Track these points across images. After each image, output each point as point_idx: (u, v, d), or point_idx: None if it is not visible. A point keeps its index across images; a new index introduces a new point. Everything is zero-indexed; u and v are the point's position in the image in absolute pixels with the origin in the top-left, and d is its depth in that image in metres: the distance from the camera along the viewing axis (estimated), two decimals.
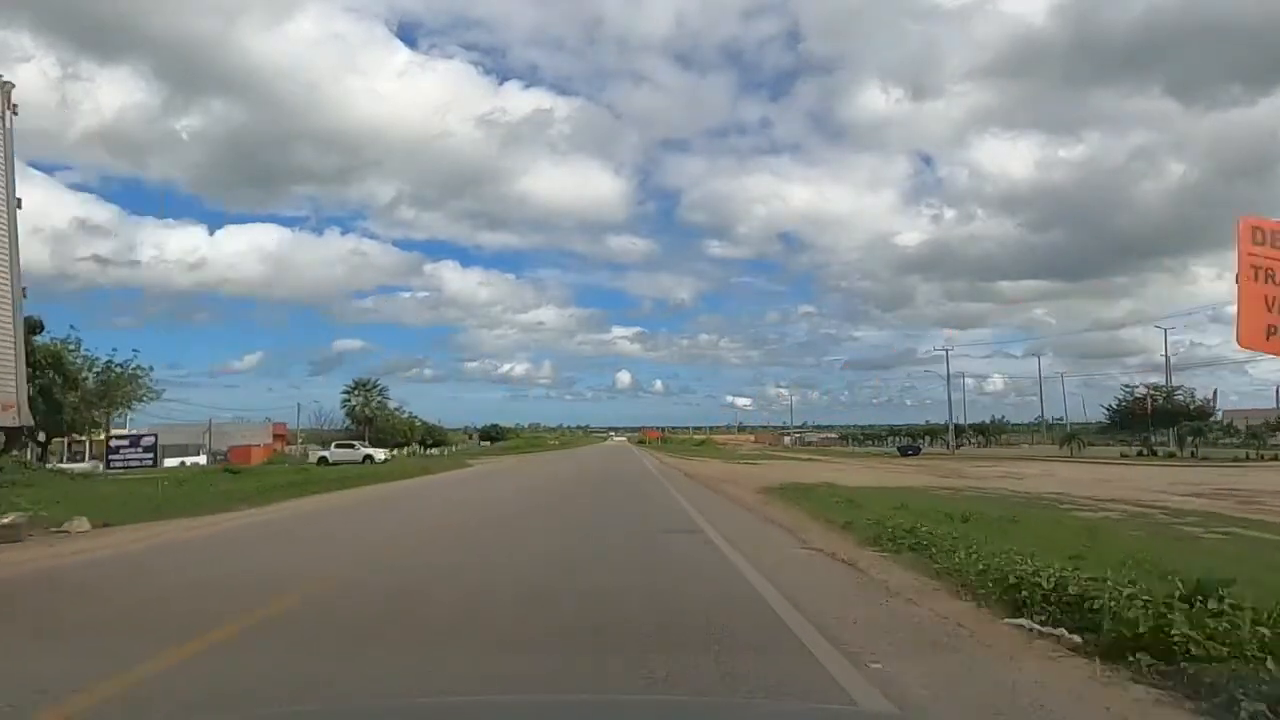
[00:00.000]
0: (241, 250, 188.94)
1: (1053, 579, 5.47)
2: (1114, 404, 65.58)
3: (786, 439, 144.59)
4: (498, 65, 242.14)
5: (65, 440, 46.89)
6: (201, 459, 57.01)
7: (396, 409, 70.99)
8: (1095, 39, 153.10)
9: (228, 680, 4.06)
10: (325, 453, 51.03)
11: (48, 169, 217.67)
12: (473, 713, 2.28)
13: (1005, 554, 6.80)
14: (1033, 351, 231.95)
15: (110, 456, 16.05)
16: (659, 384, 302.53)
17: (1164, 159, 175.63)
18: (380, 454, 52.18)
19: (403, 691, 3.81)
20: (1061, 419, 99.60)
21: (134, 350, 33.72)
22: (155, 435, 16.43)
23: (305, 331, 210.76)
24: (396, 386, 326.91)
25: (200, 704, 3.67)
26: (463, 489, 23.49)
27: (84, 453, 49.21)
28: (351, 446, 52.45)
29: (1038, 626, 4.94)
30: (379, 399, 64.67)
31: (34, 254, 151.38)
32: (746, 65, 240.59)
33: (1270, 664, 3.73)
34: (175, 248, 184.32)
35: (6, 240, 7.81)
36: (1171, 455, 50.49)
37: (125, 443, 16.18)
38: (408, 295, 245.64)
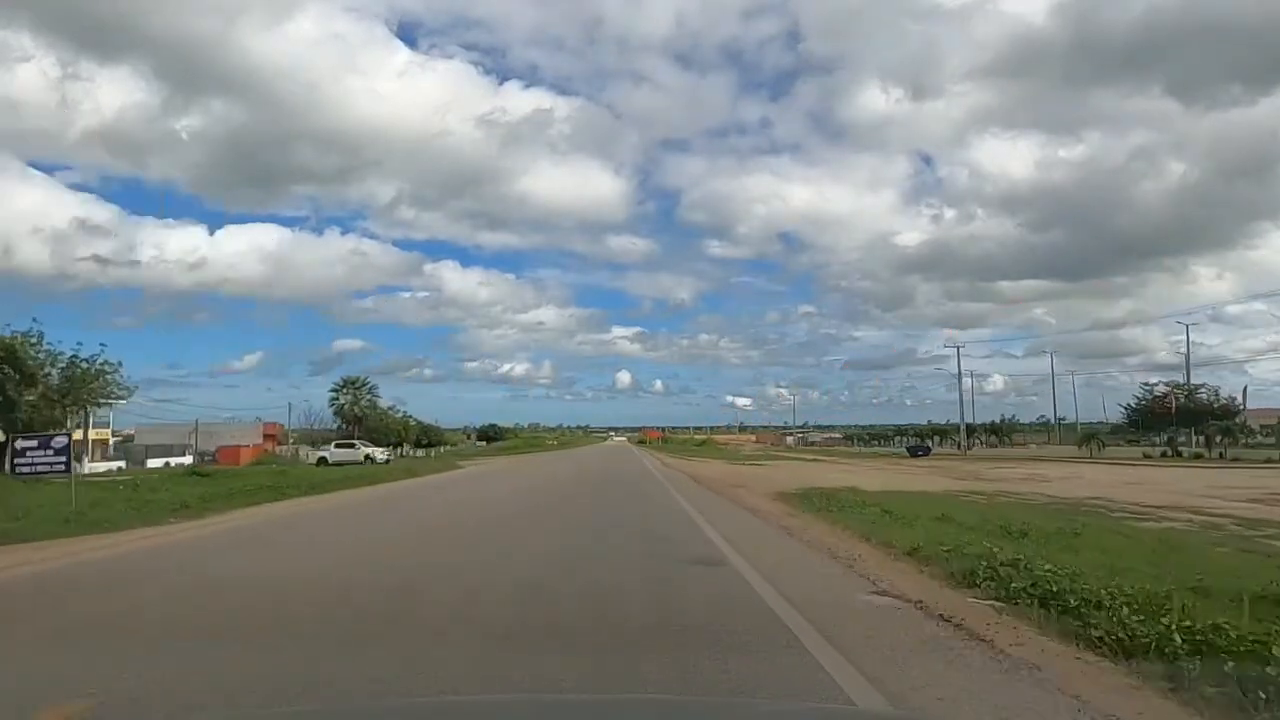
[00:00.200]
0: (241, 250, 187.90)
1: None
2: (1132, 403, 63.36)
3: (789, 439, 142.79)
4: (498, 65, 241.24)
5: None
6: (187, 460, 55.30)
7: (391, 408, 69.13)
8: (1095, 39, 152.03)
9: None
10: (325, 453, 49.35)
11: (48, 169, 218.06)
12: (473, 713, 2.27)
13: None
14: (1033, 351, 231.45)
15: (16, 460, 13.96)
16: (659, 384, 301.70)
17: (1164, 159, 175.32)
18: (382, 454, 50.38)
19: None
20: (1065, 418, 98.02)
21: (101, 345, 31.54)
22: (68, 435, 14.33)
23: (305, 331, 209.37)
24: (397, 386, 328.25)
25: None
26: (441, 495, 21.44)
27: None
28: (352, 446, 50.56)
29: None
30: (369, 397, 62.60)
31: (34, 254, 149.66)
32: (746, 65, 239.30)
33: None
34: (175, 248, 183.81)
35: None
36: (1198, 456, 48.21)
37: (33, 444, 14.08)
38: (408, 295, 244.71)
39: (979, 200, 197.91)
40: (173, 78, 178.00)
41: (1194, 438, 56.25)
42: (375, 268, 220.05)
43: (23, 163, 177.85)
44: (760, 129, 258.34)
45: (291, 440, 67.66)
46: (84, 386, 28.47)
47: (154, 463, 52.83)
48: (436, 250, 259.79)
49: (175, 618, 5.97)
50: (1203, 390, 57.62)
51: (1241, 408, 56.53)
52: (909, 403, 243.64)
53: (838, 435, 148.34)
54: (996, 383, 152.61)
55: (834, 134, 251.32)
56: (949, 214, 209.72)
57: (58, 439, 13.79)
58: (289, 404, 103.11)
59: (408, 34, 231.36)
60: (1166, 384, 60.24)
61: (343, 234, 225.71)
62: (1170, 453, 52.27)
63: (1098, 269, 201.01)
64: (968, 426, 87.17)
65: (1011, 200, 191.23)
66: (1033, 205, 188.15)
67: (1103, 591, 5.29)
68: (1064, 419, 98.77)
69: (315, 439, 60.62)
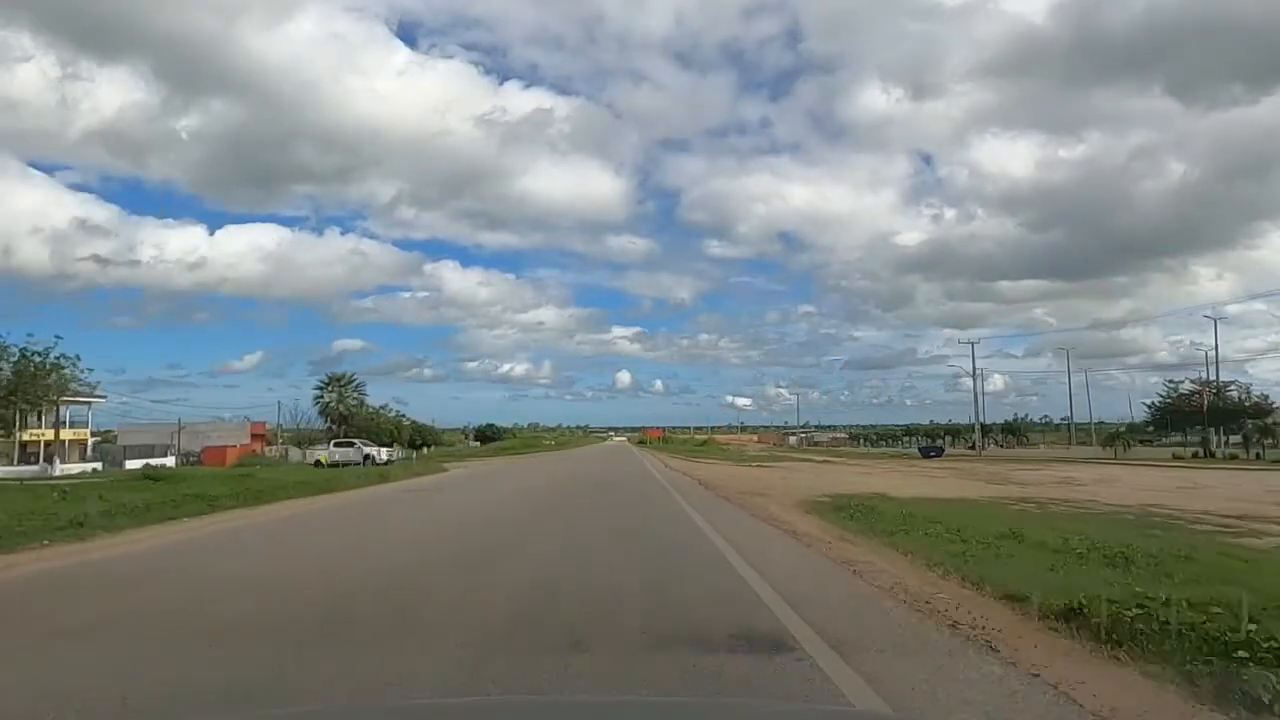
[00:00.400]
0: (241, 250, 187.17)
1: None
2: (1157, 401, 60.64)
3: (791, 439, 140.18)
4: (498, 65, 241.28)
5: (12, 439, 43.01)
6: (170, 460, 53.03)
7: (383, 407, 66.70)
8: (1095, 39, 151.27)
9: None
10: (323, 452, 47.59)
11: (48, 169, 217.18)
12: (473, 713, 2.23)
13: None
14: (1033, 351, 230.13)
15: None
16: (659, 384, 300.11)
17: (1164, 159, 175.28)
18: (383, 453, 48.49)
19: None
20: (1068, 418, 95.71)
21: (56, 336, 29.05)
22: None
23: (305, 331, 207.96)
24: (397, 386, 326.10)
25: None
26: (386, 516, 18.90)
27: (12, 454, 46.09)
28: (351, 445, 48.58)
29: None
30: (355, 395, 60.22)
31: (34, 254, 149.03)
32: (746, 65, 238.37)
33: None
34: (175, 248, 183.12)
35: None
36: (1234, 456, 45.33)
37: None
38: (408, 295, 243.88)
39: (979, 200, 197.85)
40: (173, 77, 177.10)
41: (1222, 437, 53.48)
42: (375, 267, 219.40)
43: (23, 163, 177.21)
44: (760, 128, 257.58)
45: (281, 440, 65.50)
46: (35, 383, 25.96)
47: (133, 464, 50.56)
48: (436, 250, 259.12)
49: None
50: (1233, 388, 54.82)
51: (1275, 405, 53.56)
52: (909, 403, 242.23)
53: (843, 435, 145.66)
54: (996, 382, 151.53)
55: (834, 134, 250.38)
56: (949, 214, 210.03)
57: None
58: (278, 403, 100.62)
59: (408, 34, 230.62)
60: (1194, 381, 57.49)
61: (342, 234, 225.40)
62: (1202, 453, 49.37)
63: (1098, 269, 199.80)
64: (983, 426, 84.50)
65: (1012, 200, 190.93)
66: (1033, 205, 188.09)
67: None
68: (1066, 419, 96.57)
69: (303, 439, 58.54)
